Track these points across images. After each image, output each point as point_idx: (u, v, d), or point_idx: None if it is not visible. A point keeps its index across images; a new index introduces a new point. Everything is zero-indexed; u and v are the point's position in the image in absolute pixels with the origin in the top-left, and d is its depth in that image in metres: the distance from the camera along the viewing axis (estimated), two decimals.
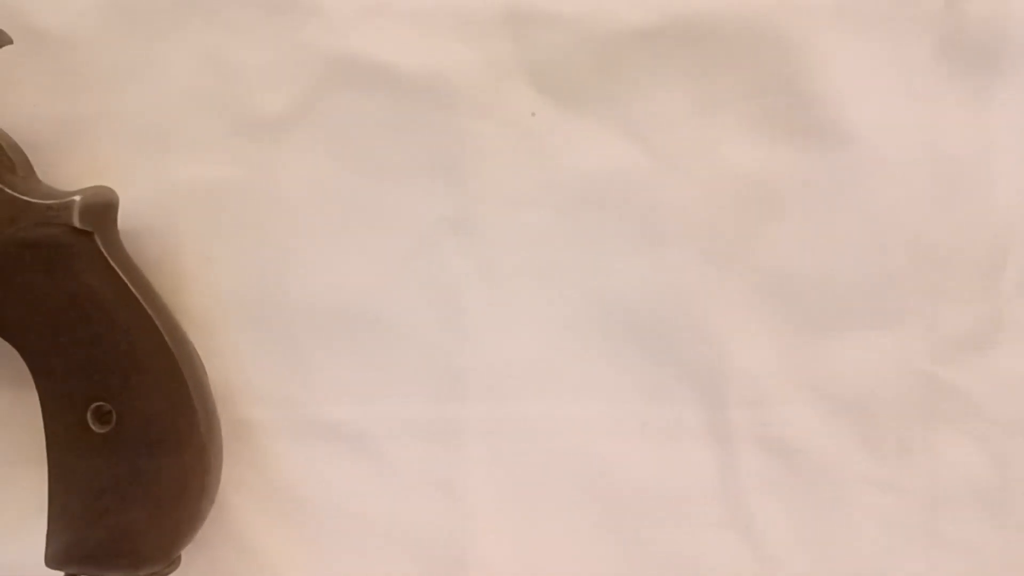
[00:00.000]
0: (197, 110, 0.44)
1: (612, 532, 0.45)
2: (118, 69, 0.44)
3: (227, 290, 0.45)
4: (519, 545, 0.45)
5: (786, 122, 0.44)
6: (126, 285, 0.40)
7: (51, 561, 0.40)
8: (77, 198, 0.39)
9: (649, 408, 0.45)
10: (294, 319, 0.45)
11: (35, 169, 0.43)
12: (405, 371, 0.45)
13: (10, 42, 0.41)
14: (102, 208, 0.41)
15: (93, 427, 0.39)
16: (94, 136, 0.44)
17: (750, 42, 0.43)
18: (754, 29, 0.43)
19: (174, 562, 0.42)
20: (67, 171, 0.44)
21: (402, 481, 0.45)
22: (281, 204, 0.45)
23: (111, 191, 0.42)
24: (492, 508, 0.45)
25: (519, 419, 0.45)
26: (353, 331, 0.45)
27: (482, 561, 0.45)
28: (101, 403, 0.39)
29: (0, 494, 0.45)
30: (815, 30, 0.43)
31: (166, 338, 0.40)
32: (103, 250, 0.40)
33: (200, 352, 0.43)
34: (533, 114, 0.44)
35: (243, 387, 0.45)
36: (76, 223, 0.39)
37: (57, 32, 0.44)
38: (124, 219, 0.43)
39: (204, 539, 0.45)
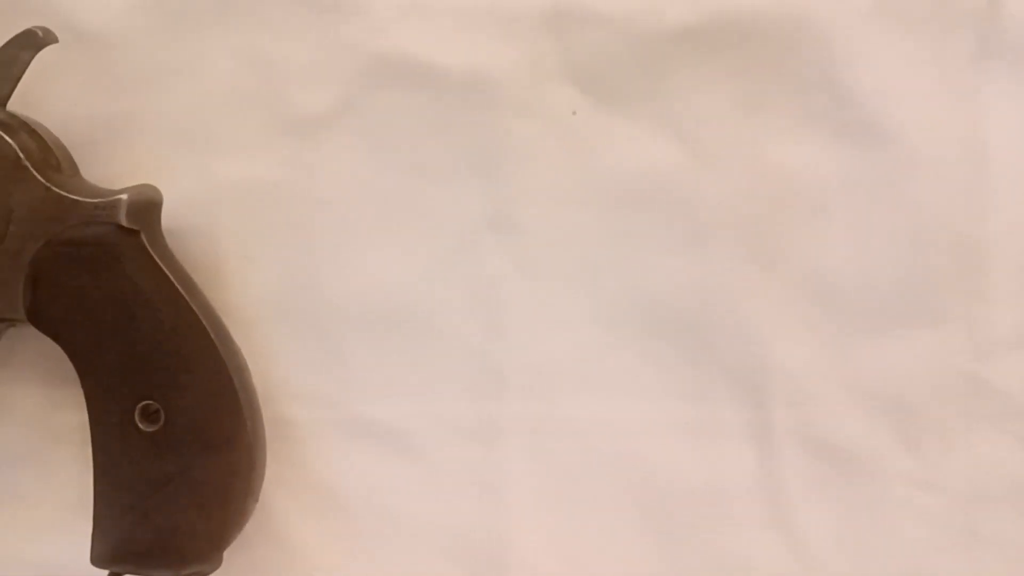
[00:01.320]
0: (238, 109, 0.44)
1: (653, 532, 0.45)
2: (160, 68, 0.44)
3: (267, 288, 0.45)
4: (559, 544, 0.45)
5: (827, 120, 0.44)
6: (172, 283, 0.40)
7: (97, 560, 0.40)
8: (124, 196, 0.39)
9: (690, 407, 0.45)
10: (334, 317, 0.45)
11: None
12: (445, 369, 0.45)
13: (56, 40, 0.41)
14: (148, 207, 0.41)
15: (141, 426, 0.39)
16: (136, 135, 0.44)
17: (792, 40, 0.43)
18: (796, 27, 0.43)
19: (216, 561, 0.42)
20: (109, 170, 0.44)
21: (442, 480, 0.45)
22: (322, 203, 0.45)
23: (156, 190, 0.42)
24: (532, 507, 0.45)
25: (559, 418, 0.45)
26: (393, 329, 0.45)
27: (522, 560, 0.45)
28: (149, 402, 0.39)
29: (39, 493, 0.45)
30: (856, 28, 0.43)
31: (212, 336, 0.40)
32: (149, 249, 0.40)
33: (241, 350, 0.43)
34: (574, 113, 0.44)
35: (283, 385, 0.45)
36: (123, 222, 0.39)
37: (99, 31, 0.44)
38: (165, 218, 0.43)
39: (244, 537, 0.44)
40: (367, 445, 0.45)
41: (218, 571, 0.42)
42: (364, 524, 0.46)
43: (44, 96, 0.43)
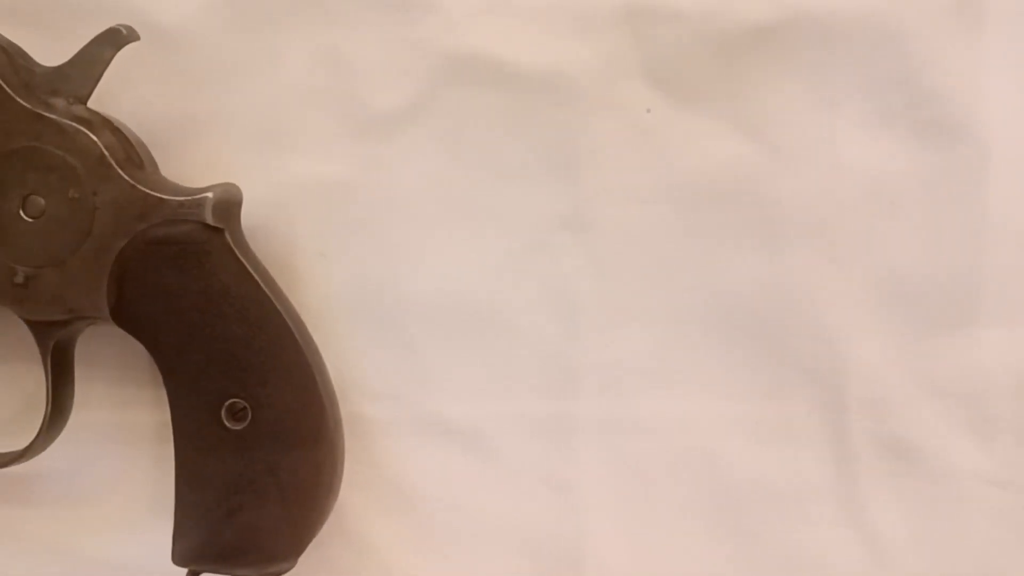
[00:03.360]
0: (313, 107, 0.44)
1: (726, 530, 0.45)
2: (235, 66, 0.44)
3: (342, 287, 0.45)
4: (633, 542, 0.45)
5: (903, 119, 0.44)
6: (256, 281, 0.40)
7: (179, 559, 0.40)
8: (210, 195, 0.39)
9: (765, 406, 0.45)
10: (408, 316, 0.45)
11: None
12: (519, 368, 0.45)
13: (138, 38, 0.41)
14: (230, 205, 0.41)
15: (228, 424, 0.39)
16: (211, 133, 0.44)
17: (869, 38, 0.43)
18: (872, 25, 0.43)
19: (294, 559, 0.42)
20: (184, 168, 0.44)
21: (516, 478, 0.45)
22: (396, 201, 0.45)
23: (237, 188, 0.42)
24: (606, 505, 0.45)
25: (633, 416, 0.45)
26: (467, 328, 0.45)
27: (596, 558, 0.45)
28: (236, 400, 0.39)
29: (114, 493, 0.45)
30: (934, 27, 0.43)
31: (295, 334, 0.40)
32: (233, 247, 0.40)
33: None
34: (648, 110, 0.44)
35: (357, 383, 0.45)
36: (209, 220, 0.39)
37: (174, 29, 0.44)
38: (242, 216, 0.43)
39: (318, 535, 0.44)
40: (441, 443, 0.45)
41: (292, 570, 0.42)
42: (438, 522, 0.45)
43: (120, 94, 0.43)
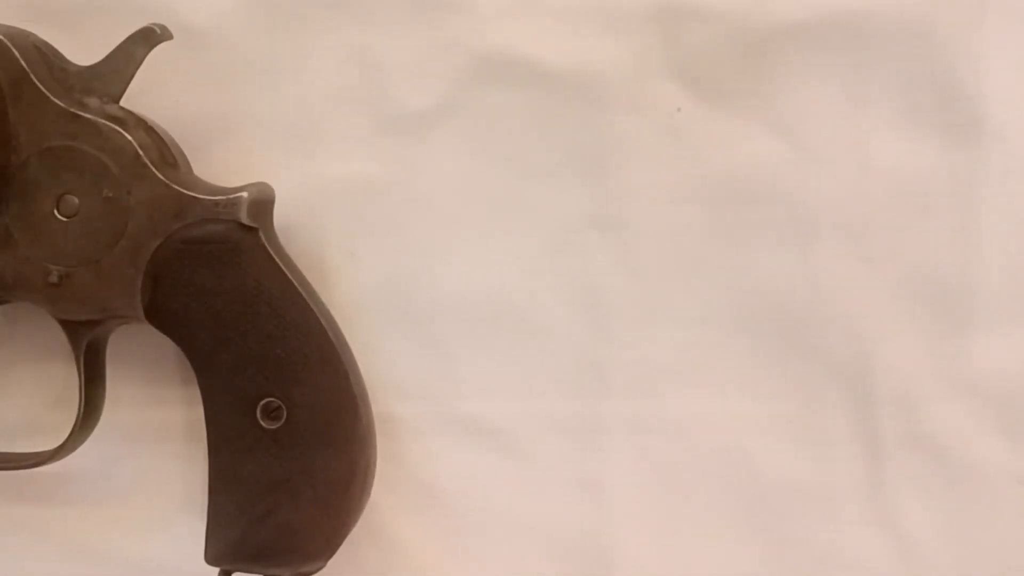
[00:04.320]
0: (343, 106, 0.44)
1: (756, 530, 0.45)
2: (264, 66, 0.44)
3: (371, 286, 0.45)
4: (662, 541, 0.45)
5: (934, 118, 0.44)
6: (290, 280, 0.40)
7: (213, 559, 0.40)
8: (245, 194, 0.39)
9: (794, 405, 0.45)
10: (437, 315, 0.45)
11: None
12: (548, 367, 0.45)
13: (171, 37, 0.41)
14: (264, 204, 0.41)
15: (263, 424, 0.39)
16: (241, 132, 0.44)
17: (900, 37, 0.43)
18: (904, 24, 0.43)
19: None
20: (214, 167, 0.43)
21: (545, 477, 0.45)
22: (426, 200, 0.45)
23: (270, 187, 0.42)
24: (635, 504, 0.45)
25: (662, 416, 0.45)
26: (496, 327, 0.45)
27: (626, 557, 0.45)
28: (271, 399, 0.39)
29: (144, 492, 0.45)
30: (964, 26, 0.43)
31: (329, 333, 0.40)
32: (267, 246, 0.40)
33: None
34: (679, 109, 0.44)
35: (386, 382, 0.45)
36: (244, 219, 0.39)
37: (204, 28, 0.44)
38: None
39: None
40: (470, 443, 0.45)
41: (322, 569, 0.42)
42: (467, 522, 0.45)
43: (150, 93, 0.43)
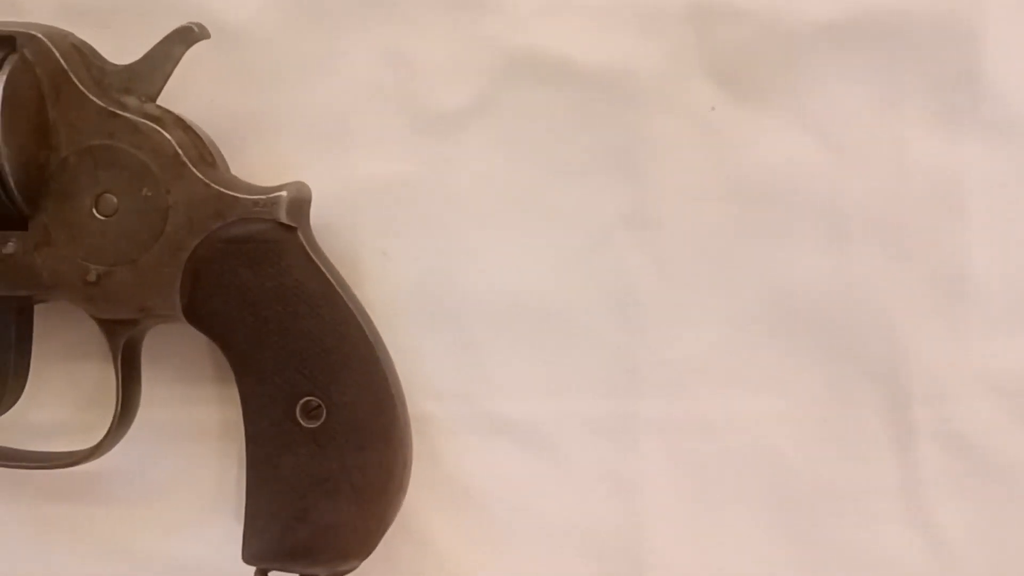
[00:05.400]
0: (377, 105, 0.44)
1: (789, 529, 0.45)
2: (299, 64, 0.44)
3: (403, 285, 0.45)
4: (695, 540, 0.45)
5: (968, 118, 0.44)
6: (329, 280, 0.40)
7: (250, 558, 0.40)
8: (284, 193, 0.39)
9: (828, 404, 0.45)
10: (470, 314, 0.45)
11: None
12: (581, 366, 0.45)
13: (208, 36, 0.41)
14: (302, 203, 0.41)
15: (302, 423, 0.39)
16: (274, 131, 0.44)
17: (934, 36, 0.44)
18: (939, 23, 0.44)
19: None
20: (248, 166, 0.43)
21: (578, 477, 0.45)
22: (458, 199, 0.45)
23: (307, 187, 0.42)
24: (668, 504, 0.45)
25: (695, 415, 0.45)
26: (529, 326, 0.45)
27: (658, 556, 0.45)
28: (310, 398, 0.39)
29: (179, 491, 0.45)
30: (999, 25, 0.43)
31: (367, 332, 0.40)
32: (305, 245, 0.40)
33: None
34: (713, 108, 0.44)
35: (419, 381, 0.45)
36: (283, 218, 0.39)
37: (239, 27, 0.44)
38: None
39: None
40: (503, 442, 0.45)
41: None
42: (499, 521, 0.45)
43: (184, 93, 0.43)
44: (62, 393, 0.44)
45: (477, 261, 0.45)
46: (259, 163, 0.44)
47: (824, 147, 0.44)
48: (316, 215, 0.43)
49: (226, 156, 0.43)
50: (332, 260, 0.43)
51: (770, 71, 0.44)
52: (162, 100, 0.41)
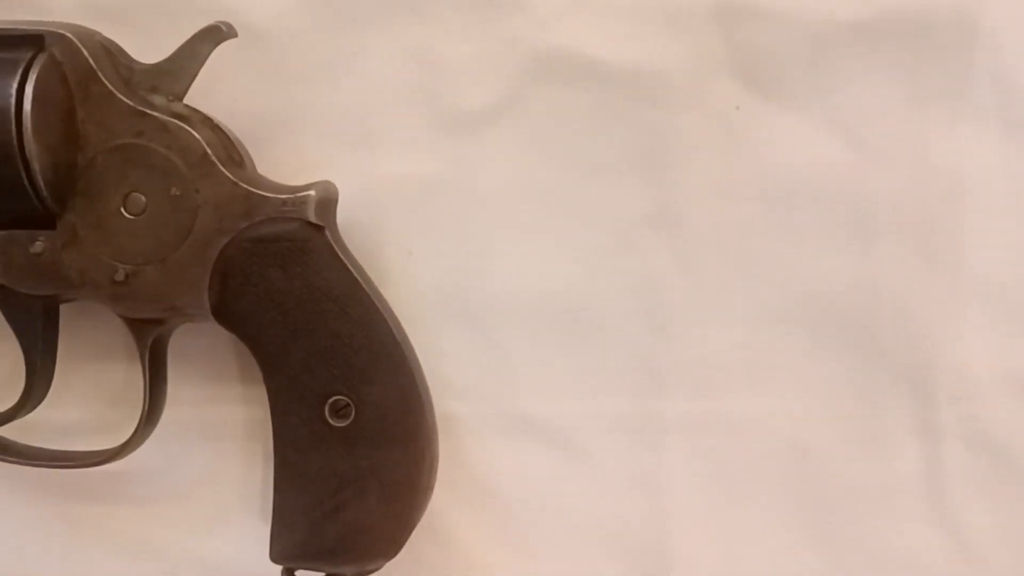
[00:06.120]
0: (402, 105, 0.44)
1: (816, 529, 0.45)
2: (323, 64, 0.44)
3: (428, 284, 0.45)
4: (720, 540, 0.45)
5: (995, 117, 0.44)
6: (356, 279, 0.40)
7: (279, 557, 0.40)
8: (312, 192, 0.39)
9: (853, 403, 0.45)
10: (494, 314, 0.45)
11: None
12: (606, 366, 0.45)
13: (236, 35, 0.41)
14: (329, 203, 0.41)
15: (331, 421, 0.39)
16: (299, 130, 0.44)
17: (959, 36, 0.43)
18: (965, 23, 0.43)
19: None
20: (271, 165, 0.43)
21: (603, 476, 0.45)
22: (483, 199, 0.45)
23: (333, 186, 0.42)
24: (694, 504, 0.45)
25: (721, 415, 0.45)
26: (554, 326, 0.45)
27: (684, 556, 0.45)
28: (339, 397, 0.39)
29: (203, 490, 0.45)
30: None
31: (394, 331, 0.40)
32: (333, 244, 0.40)
33: None
34: (737, 107, 0.44)
35: (444, 381, 0.45)
36: (311, 218, 0.39)
37: (264, 27, 0.44)
38: None
39: None
40: (528, 442, 0.45)
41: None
42: (524, 521, 0.46)
43: (208, 91, 0.42)
44: (86, 392, 0.44)
45: (502, 261, 0.45)
46: (284, 162, 0.44)
47: (849, 146, 0.44)
48: (341, 214, 0.43)
49: (251, 155, 0.43)
50: (357, 259, 0.43)
51: (795, 70, 0.44)
52: (187, 98, 0.41)
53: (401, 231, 0.45)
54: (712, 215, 0.45)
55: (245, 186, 0.39)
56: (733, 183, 0.44)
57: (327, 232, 0.40)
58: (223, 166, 0.39)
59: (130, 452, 0.41)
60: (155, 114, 0.39)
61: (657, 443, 0.45)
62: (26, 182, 0.37)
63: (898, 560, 0.45)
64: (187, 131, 0.39)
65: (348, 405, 0.39)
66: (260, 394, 0.42)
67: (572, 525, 0.45)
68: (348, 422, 0.39)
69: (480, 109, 0.44)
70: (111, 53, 0.39)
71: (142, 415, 0.41)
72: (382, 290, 0.43)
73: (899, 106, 0.44)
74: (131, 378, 0.44)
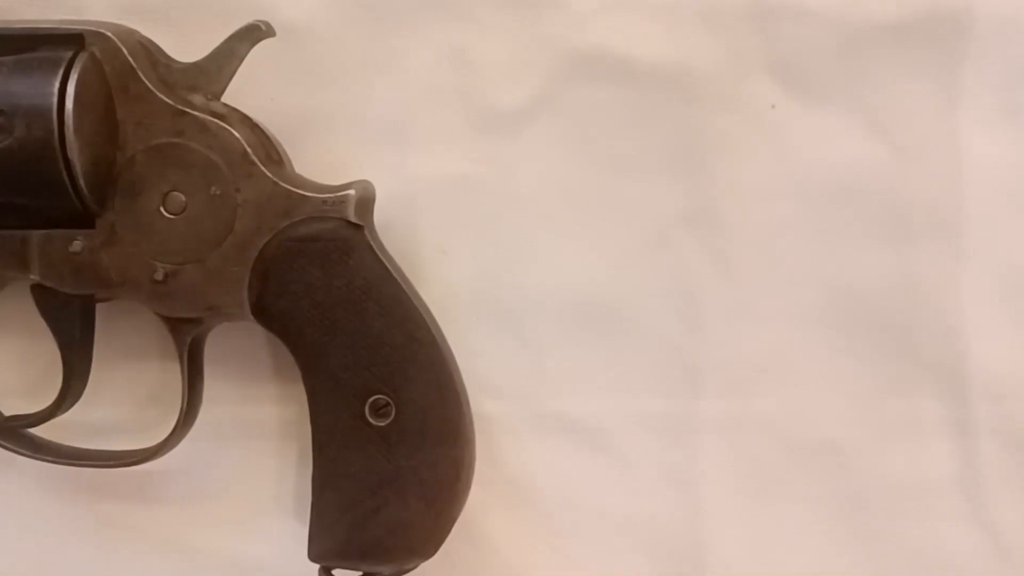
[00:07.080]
0: (437, 104, 0.44)
1: (850, 527, 0.45)
2: (359, 63, 0.44)
3: (463, 283, 0.45)
4: (755, 539, 0.45)
5: None
6: (395, 278, 0.40)
7: (318, 556, 0.40)
8: (352, 192, 0.39)
9: (889, 402, 0.45)
10: (529, 312, 0.45)
11: None
12: (641, 365, 0.45)
13: (274, 34, 0.40)
14: (367, 202, 0.41)
15: (371, 421, 0.39)
16: (335, 129, 0.44)
17: (996, 34, 0.43)
18: (1000, 21, 0.43)
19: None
20: (308, 164, 0.43)
21: (638, 475, 0.45)
22: (519, 198, 0.45)
23: (371, 185, 0.42)
24: (728, 502, 0.45)
25: (756, 414, 0.45)
26: (588, 325, 0.45)
27: (719, 555, 0.45)
28: (380, 396, 0.39)
29: (237, 490, 0.45)
30: None
31: (433, 331, 0.40)
32: (371, 243, 0.40)
33: None
34: (773, 106, 0.44)
35: (478, 380, 0.44)
36: (351, 217, 0.39)
37: (299, 26, 0.44)
38: None
39: None
40: (561, 441, 0.45)
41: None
42: (558, 520, 0.45)
43: (244, 90, 0.42)
44: (122, 392, 0.44)
45: (537, 259, 0.45)
46: (319, 161, 0.43)
47: (885, 145, 0.44)
48: (377, 213, 0.43)
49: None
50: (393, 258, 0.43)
51: (831, 69, 0.44)
52: (223, 98, 0.41)
53: (436, 230, 0.45)
54: (747, 214, 0.44)
55: (285, 185, 0.39)
56: (768, 182, 0.44)
57: (366, 231, 0.40)
58: (263, 165, 0.39)
59: (168, 451, 0.41)
60: (195, 113, 0.39)
61: (692, 442, 0.45)
62: (67, 181, 0.37)
63: (933, 559, 0.45)
64: (227, 130, 0.39)
65: (388, 404, 0.39)
66: (295, 393, 0.42)
67: (607, 524, 0.45)
68: (388, 421, 0.39)
69: (515, 108, 0.44)
70: (150, 52, 0.39)
71: (180, 414, 0.41)
72: (417, 288, 0.43)
73: (936, 104, 0.44)
74: (166, 378, 0.44)
